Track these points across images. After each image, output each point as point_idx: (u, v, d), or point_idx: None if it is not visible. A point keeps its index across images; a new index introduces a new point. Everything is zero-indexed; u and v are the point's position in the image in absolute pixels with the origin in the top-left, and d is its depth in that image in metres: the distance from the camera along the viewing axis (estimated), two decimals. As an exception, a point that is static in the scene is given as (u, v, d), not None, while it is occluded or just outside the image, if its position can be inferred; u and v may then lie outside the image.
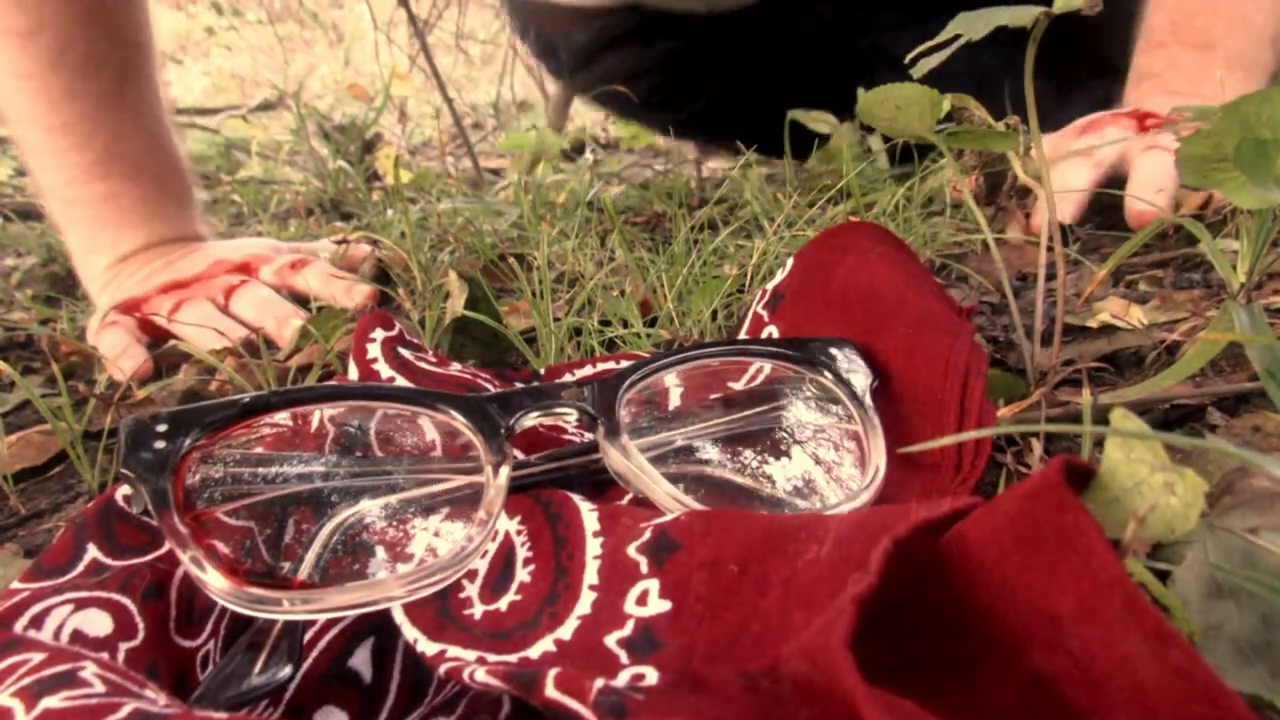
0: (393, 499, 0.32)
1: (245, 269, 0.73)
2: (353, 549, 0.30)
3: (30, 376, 0.67)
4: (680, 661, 0.24)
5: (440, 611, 0.27)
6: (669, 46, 1.27)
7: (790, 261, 0.45)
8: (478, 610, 0.28)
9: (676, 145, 1.62)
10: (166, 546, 0.30)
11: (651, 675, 0.23)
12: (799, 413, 0.37)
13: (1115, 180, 0.70)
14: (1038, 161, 0.40)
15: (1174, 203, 0.66)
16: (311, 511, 0.31)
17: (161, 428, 0.29)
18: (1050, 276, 0.43)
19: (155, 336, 0.69)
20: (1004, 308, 0.57)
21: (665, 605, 0.25)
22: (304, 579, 0.29)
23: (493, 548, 0.30)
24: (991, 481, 0.35)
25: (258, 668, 0.26)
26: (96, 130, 0.71)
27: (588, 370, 0.45)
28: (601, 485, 0.35)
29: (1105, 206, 0.73)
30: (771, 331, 0.43)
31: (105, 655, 0.26)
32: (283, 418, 0.32)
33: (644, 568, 0.26)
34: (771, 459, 0.36)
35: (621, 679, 0.23)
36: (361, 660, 0.28)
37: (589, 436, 0.38)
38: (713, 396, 0.39)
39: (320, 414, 0.33)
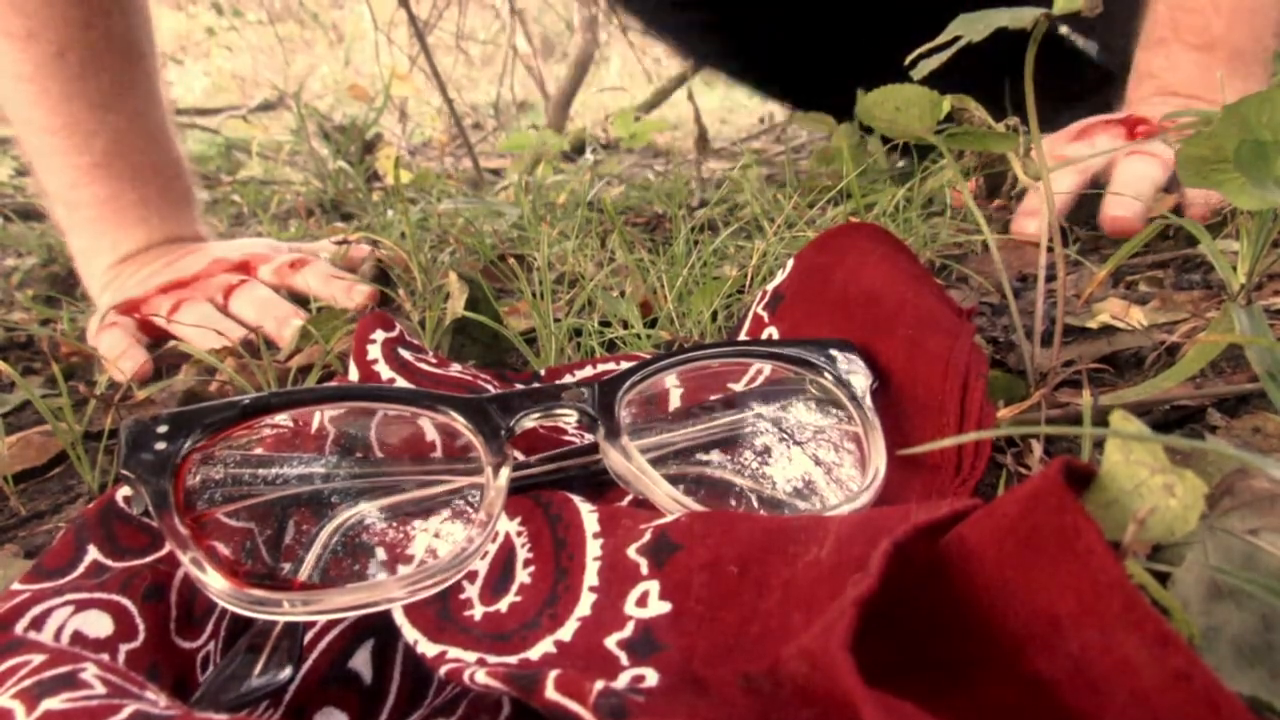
0: (393, 500, 0.32)
1: (244, 268, 0.73)
2: (353, 550, 0.30)
3: (30, 377, 0.67)
4: (680, 663, 0.24)
5: (440, 613, 0.27)
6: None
7: (790, 262, 0.45)
8: (478, 611, 0.28)
9: (677, 146, 1.62)
10: (167, 548, 0.30)
11: (651, 677, 0.23)
12: (799, 414, 0.37)
13: (1103, 186, 0.70)
14: (1037, 162, 0.40)
15: (1148, 210, 0.66)
16: (312, 513, 0.31)
17: (162, 429, 0.29)
18: (1050, 277, 0.43)
19: (155, 337, 0.69)
20: (1004, 308, 0.57)
21: (665, 607, 0.25)
22: (304, 580, 0.29)
23: (493, 549, 0.30)
24: (991, 483, 0.35)
25: (258, 669, 0.26)
26: (96, 132, 0.71)
27: (588, 371, 0.45)
28: (602, 486, 0.35)
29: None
30: (771, 333, 0.43)
31: (106, 657, 0.26)
32: (283, 419, 0.32)
33: (644, 569, 0.26)
34: (771, 460, 0.36)
35: (621, 680, 0.23)
36: (362, 661, 0.28)
37: (589, 438, 0.38)
38: (713, 398, 0.39)
39: (321, 415, 0.33)
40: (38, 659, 0.23)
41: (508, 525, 0.30)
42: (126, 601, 0.28)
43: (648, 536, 0.27)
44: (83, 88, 0.70)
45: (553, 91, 2.66)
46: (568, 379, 0.44)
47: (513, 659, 0.25)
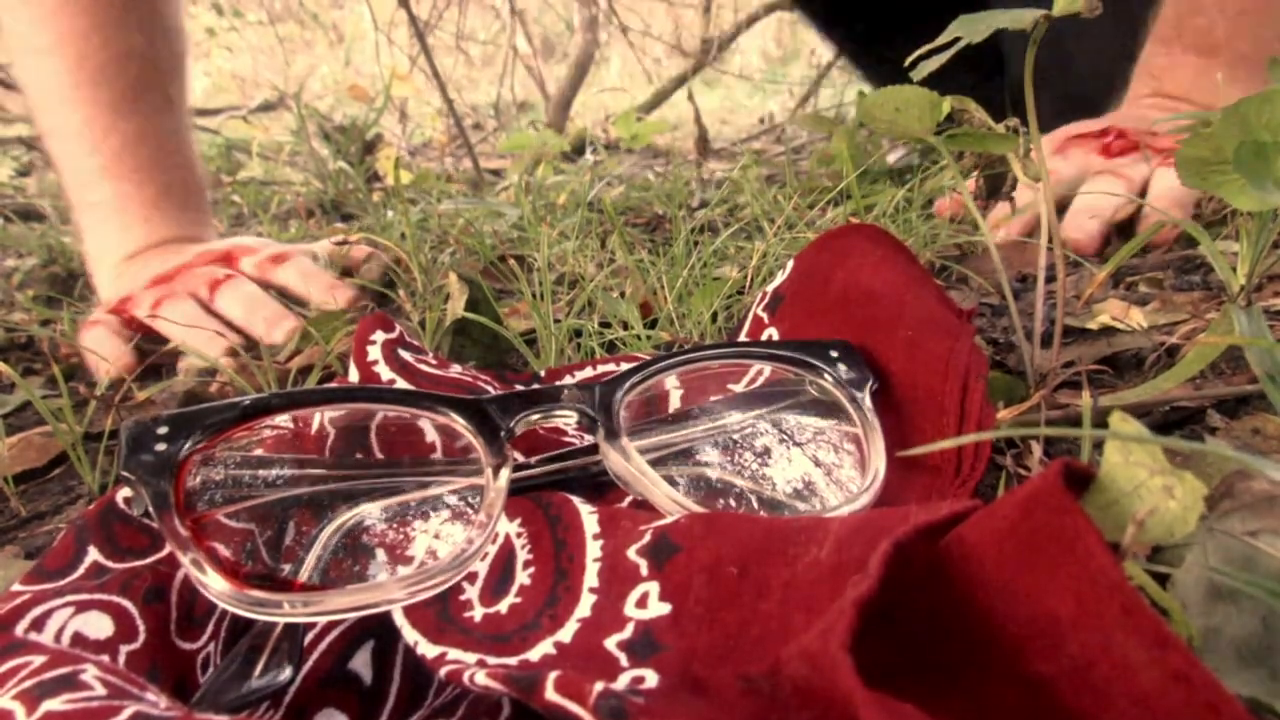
0: (393, 501, 0.32)
1: (228, 259, 0.73)
2: (353, 551, 0.30)
3: (31, 378, 0.67)
4: (680, 664, 0.24)
5: (440, 614, 0.27)
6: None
7: (790, 263, 0.45)
8: (478, 613, 0.28)
9: (677, 146, 1.62)
10: (167, 549, 0.30)
11: (651, 678, 0.23)
12: (799, 415, 0.38)
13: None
14: (1037, 163, 0.40)
15: (1107, 229, 0.67)
16: (312, 514, 0.31)
17: (162, 430, 0.29)
18: (1050, 278, 0.43)
19: (142, 333, 0.69)
20: (1004, 309, 0.57)
21: (665, 608, 0.25)
22: (304, 581, 0.29)
23: (493, 550, 0.30)
24: (991, 484, 0.35)
25: (258, 670, 0.26)
26: (107, 135, 0.73)
27: (588, 372, 0.45)
28: (601, 488, 0.35)
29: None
30: (771, 334, 0.43)
31: (106, 658, 0.26)
32: (283, 420, 0.32)
33: (644, 570, 0.26)
34: (771, 461, 0.36)
35: (621, 681, 0.23)
36: (362, 662, 0.28)
37: (589, 439, 0.38)
38: (713, 399, 0.39)
39: (321, 416, 0.33)
40: (38, 660, 0.23)
41: (508, 526, 0.30)
42: (127, 603, 0.28)
43: (648, 538, 0.27)
44: (94, 94, 0.72)
45: (553, 92, 2.66)
46: (568, 380, 0.44)
47: (512, 660, 0.25)
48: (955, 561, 0.22)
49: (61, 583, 0.29)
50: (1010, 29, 0.36)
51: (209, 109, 2.73)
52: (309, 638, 0.28)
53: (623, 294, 0.62)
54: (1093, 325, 0.51)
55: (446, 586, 0.28)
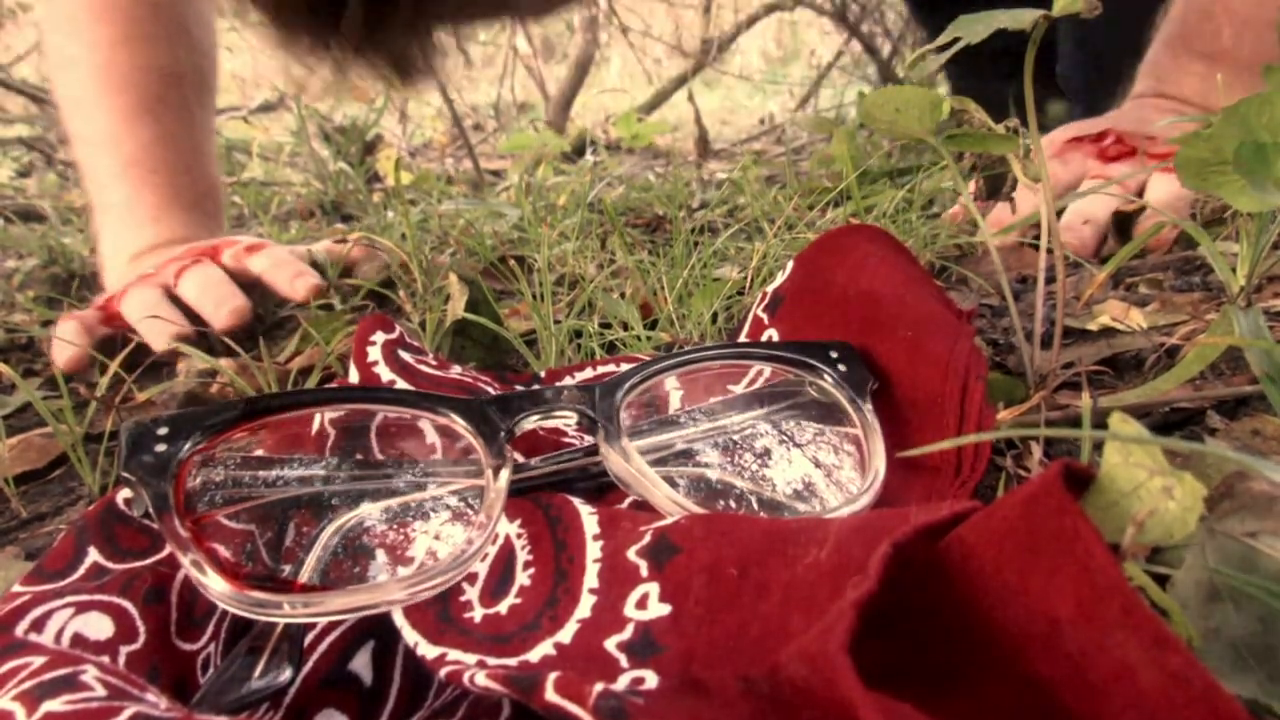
0: (393, 502, 0.32)
1: (214, 252, 0.74)
2: (353, 552, 0.30)
3: (31, 379, 0.68)
4: (680, 665, 0.24)
5: (440, 615, 0.27)
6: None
7: (790, 264, 0.45)
8: (478, 613, 0.28)
9: (677, 147, 1.62)
10: (167, 550, 0.30)
11: (651, 679, 0.23)
12: (799, 416, 0.38)
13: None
14: (1037, 164, 0.40)
15: (1102, 234, 0.67)
16: (312, 515, 0.31)
17: (162, 431, 0.29)
18: (1050, 279, 0.43)
19: (122, 328, 0.70)
20: (1004, 310, 0.57)
21: (665, 609, 0.25)
22: (304, 582, 0.29)
23: (493, 551, 0.30)
24: (991, 484, 0.36)
25: (258, 671, 0.26)
26: (125, 140, 0.76)
27: (588, 373, 0.45)
28: (601, 488, 0.35)
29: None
30: (771, 334, 0.43)
31: (106, 659, 0.26)
32: (283, 421, 0.32)
33: (644, 571, 0.26)
34: (771, 462, 0.36)
35: (621, 682, 0.23)
36: (362, 663, 0.28)
37: (589, 440, 0.38)
38: (713, 400, 0.39)
39: (321, 417, 0.33)
40: (38, 661, 0.23)
41: (508, 527, 0.30)
42: (127, 603, 0.28)
43: (647, 539, 0.27)
44: (116, 101, 0.76)
45: (553, 92, 2.66)
46: (568, 381, 0.45)
47: (512, 661, 0.25)
48: (955, 562, 0.22)
49: (61, 584, 0.29)
50: (1011, 29, 0.36)
51: (209, 110, 2.73)
52: (309, 638, 0.28)
53: (623, 295, 0.62)
54: (1093, 326, 0.51)
55: (446, 587, 0.28)
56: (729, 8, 2.78)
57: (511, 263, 0.64)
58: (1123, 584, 0.18)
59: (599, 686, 0.20)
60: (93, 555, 0.30)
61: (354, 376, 0.40)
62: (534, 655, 0.25)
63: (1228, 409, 0.39)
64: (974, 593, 0.21)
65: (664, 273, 0.61)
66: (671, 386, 0.40)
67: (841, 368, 0.37)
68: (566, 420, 0.34)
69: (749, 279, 0.60)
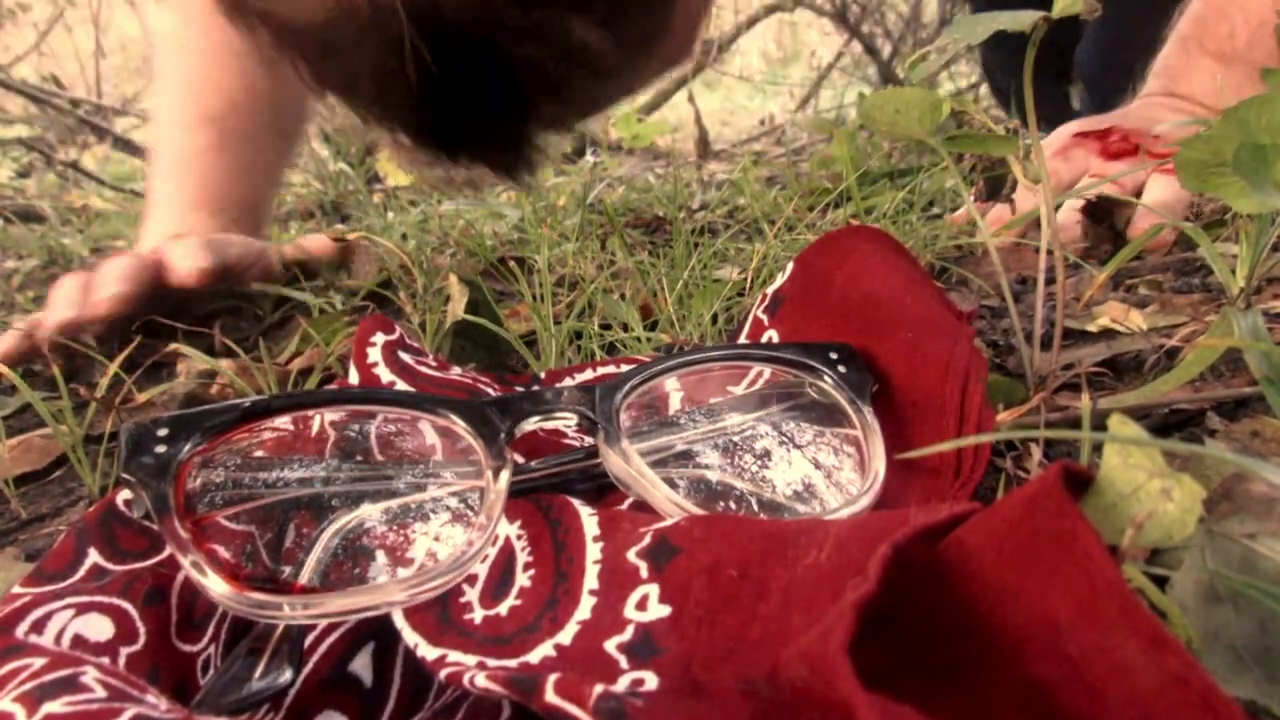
0: (393, 504, 0.32)
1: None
2: (353, 553, 0.30)
3: (31, 379, 0.67)
4: (680, 666, 0.24)
5: (440, 616, 0.27)
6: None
7: (790, 266, 0.45)
8: (478, 615, 0.28)
9: (677, 148, 1.62)
10: (167, 551, 0.30)
11: (651, 680, 0.23)
12: (799, 417, 0.38)
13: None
14: (1037, 165, 0.40)
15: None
16: (312, 516, 0.31)
17: (162, 432, 0.29)
18: (1050, 280, 0.43)
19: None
20: (1004, 311, 0.57)
21: (665, 610, 0.25)
22: (305, 583, 0.29)
23: (493, 552, 0.30)
24: (991, 485, 0.36)
25: (258, 672, 0.26)
26: (181, 141, 0.83)
27: (588, 374, 0.45)
28: (602, 490, 0.35)
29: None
30: (771, 336, 0.43)
31: (106, 660, 0.26)
32: (283, 422, 0.32)
33: (644, 572, 0.27)
34: (771, 464, 0.36)
35: (621, 684, 0.23)
36: (362, 664, 0.28)
37: (589, 441, 0.38)
38: (713, 401, 0.39)
39: (321, 419, 0.33)
40: (39, 662, 0.23)
41: (508, 529, 0.30)
42: (127, 605, 0.28)
43: (647, 540, 0.27)
44: (186, 109, 0.83)
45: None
46: (568, 382, 0.45)
47: (512, 662, 0.25)
48: (954, 564, 0.22)
49: (62, 585, 0.29)
50: (1011, 29, 0.36)
51: (209, 110, 2.73)
52: (309, 640, 0.28)
53: (623, 296, 0.62)
54: (1092, 327, 0.51)
55: (446, 589, 0.28)
56: (729, 8, 2.78)
57: (511, 264, 0.64)
58: (1122, 586, 0.18)
59: (599, 688, 0.20)
60: (93, 556, 0.30)
61: (354, 377, 0.40)
62: (534, 656, 0.25)
63: (1227, 410, 0.39)
64: (973, 594, 0.21)
65: (664, 274, 0.61)
66: (671, 388, 0.40)
67: (841, 369, 0.37)
68: (566, 422, 0.34)
69: (749, 280, 0.60)
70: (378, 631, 0.29)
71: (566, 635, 0.26)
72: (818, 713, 0.19)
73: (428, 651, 0.26)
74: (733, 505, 0.34)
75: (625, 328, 0.57)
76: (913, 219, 0.73)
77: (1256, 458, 0.34)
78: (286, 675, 0.26)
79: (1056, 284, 0.43)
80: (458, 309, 0.55)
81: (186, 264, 0.67)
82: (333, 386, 0.41)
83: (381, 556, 0.30)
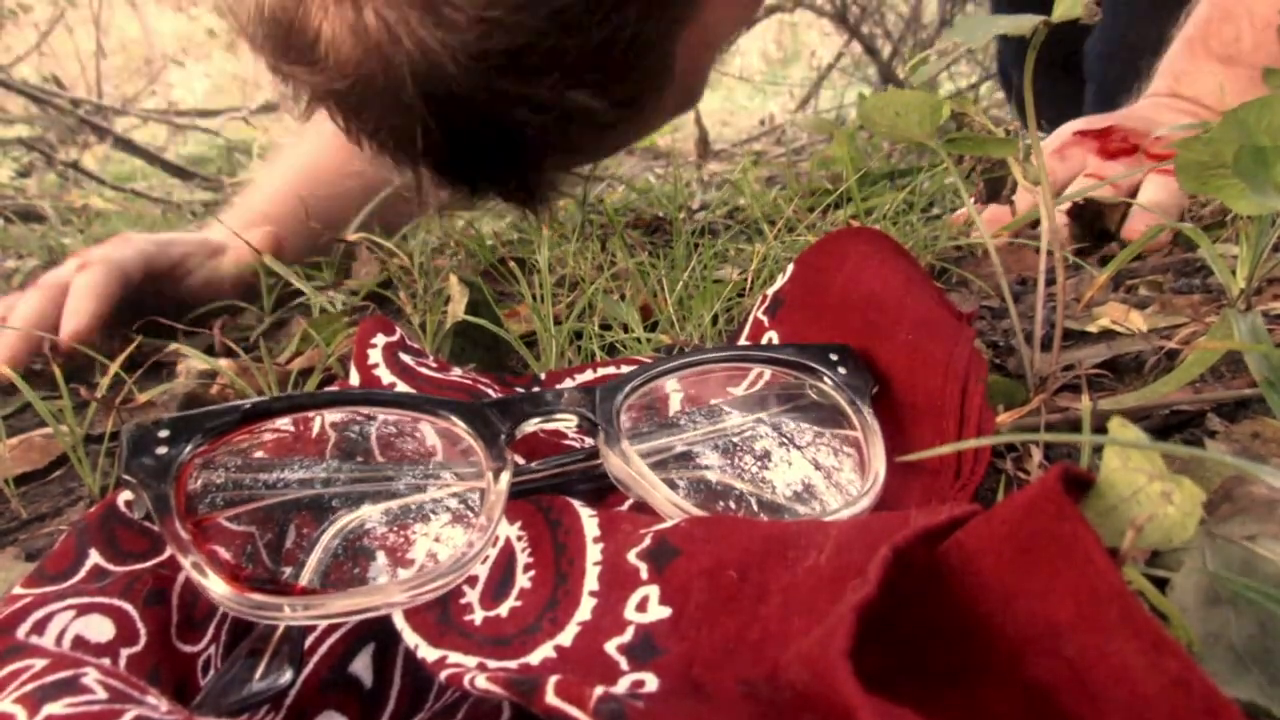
0: (394, 505, 0.32)
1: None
2: (354, 554, 0.30)
3: (31, 379, 0.67)
4: (680, 668, 0.24)
5: (441, 617, 0.27)
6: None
7: (790, 266, 0.45)
8: (478, 616, 0.28)
9: (678, 148, 1.62)
10: (168, 552, 0.30)
11: (651, 682, 0.23)
12: (799, 418, 0.38)
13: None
14: (1037, 167, 0.40)
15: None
16: (313, 517, 0.31)
17: (163, 433, 0.29)
18: (1050, 281, 0.43)
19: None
20: (1004, 312, 0.57)
21: (665, 611, 0.25)
22: (305, 584, 0.29)
23: (493, 553, 0.30)
24: (991, 486, 0.36)
25: (259, 673, 0.26)
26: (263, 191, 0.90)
27: (588, 375, 0.45)
28: (602, 491, 0.35)
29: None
30: (771, 337, 0.43)
31: (107, 661, 0.26)
32: (284, 423, 0.32)
33: (644, 574, 0.27)
34: (771, 465, 0.36)
35: (621, 685, 0.23)
36: (362, 665, 0.28)
37: (589, 442, 0.38)
38: (713, 402, 0.39)
39: (322, 420, 0.33)
40: (39, 664, 0.23)
41: (508, 530, 0.30)
42: (128, 606, 0.28)
43: (648, 541, 0.27)
44: (281, 180, 0.90)
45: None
46: (568, 383, 0.45)
47: (513, 664, 0.25)
48: (954, 566, 0.22)
49: (62, 586, 0.29)
50: (1011, 33, 0.36)
51: (210, 110, 2.74)
52: (309, 641, 0.28)
53: (623, 296, 0.62)
54: (1093, 328, 0.51)
55: (447, 590, 0.28)
56: (729, 9, 2.78)
57: (511, 264, 0.64)
58: (1122, 588, 0.18)
59: (599, 690, 0.20)
60: (94, 557, 0.30)
61: (354, 378, 0.40)
62: (534, 658, 0.25)
63: (1228, 412, 0.39)
64: (973, 596, 0.21)
65: (664, 274, 0.61)
66: (672, 389, 0.40)
67: (842, 370, 0.37)
68: (567, 423, 0.34)
69: (749, 281, 0.60)
70: (378, 632, 0.29)
71: (567, 636, 0.26)
72: (818, 715, 0.19)
73: (428, 653, 0.26)
74: (733, 506, 0.34)
75: (625, 328, 0.57)
76: (913, 220, 0.73)
77: (1257, 459, 0.34)
78: (287, 676, 0.26)
79: (1057, 285, 0.43)
80: (458, 310, 0.55)
81: (68, 325, 0.67)
82: (333, 388, 0.41)
83: (382, 558, 0.30)
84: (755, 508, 0.34)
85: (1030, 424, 0.38)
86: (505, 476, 0.30)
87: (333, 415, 0.34)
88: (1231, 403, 0.40)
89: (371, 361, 0.39)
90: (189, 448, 0.29)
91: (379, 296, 0.77)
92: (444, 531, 0.31)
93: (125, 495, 0.31)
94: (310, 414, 0.33)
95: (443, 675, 0.25)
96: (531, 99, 0.59)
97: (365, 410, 0.34)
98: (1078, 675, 0.19)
